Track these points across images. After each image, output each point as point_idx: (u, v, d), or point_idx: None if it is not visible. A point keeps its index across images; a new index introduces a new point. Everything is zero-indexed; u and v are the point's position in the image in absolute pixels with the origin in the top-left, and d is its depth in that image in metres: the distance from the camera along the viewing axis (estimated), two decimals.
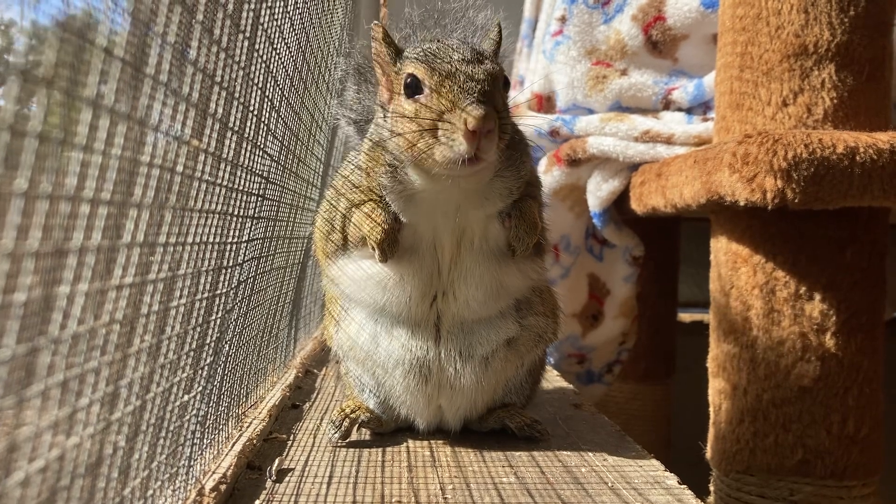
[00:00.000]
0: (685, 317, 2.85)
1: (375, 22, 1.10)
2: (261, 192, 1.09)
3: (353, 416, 1.19)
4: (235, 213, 0.94)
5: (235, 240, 0.96)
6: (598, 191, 1.93)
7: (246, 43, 0.85)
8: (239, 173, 0.92)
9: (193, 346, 0.82)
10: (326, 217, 1.19)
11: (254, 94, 0.94)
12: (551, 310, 1.25)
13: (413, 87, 1.02)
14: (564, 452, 1.13)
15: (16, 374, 0.42)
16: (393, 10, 1.22)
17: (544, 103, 2.18)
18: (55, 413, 0.49)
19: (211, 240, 0.83)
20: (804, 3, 1.38)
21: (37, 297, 0.44)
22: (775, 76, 1.39)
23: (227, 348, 1.02)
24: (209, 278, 0.85)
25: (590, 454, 1.12)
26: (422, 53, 1.04)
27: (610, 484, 0.99)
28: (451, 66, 1.01)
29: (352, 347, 1.19)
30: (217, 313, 0.91)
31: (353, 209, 1.12)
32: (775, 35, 1.40)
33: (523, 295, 1.20)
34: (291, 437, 1.19)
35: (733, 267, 1.42)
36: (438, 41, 1.08)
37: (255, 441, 1.10)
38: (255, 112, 0.96)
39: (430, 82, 1.01)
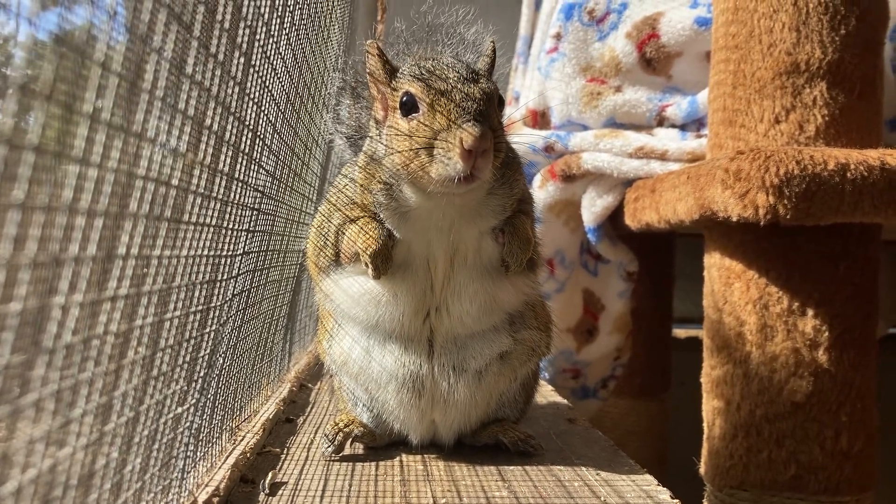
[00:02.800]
0: (680, 332, 2.85)
1: (371, 40, 1.11)
2: (256, 205, 1.09)
3: (346, 430, 1.19)
4: (230, 226, 0.94)
5: (230, 253, 0.97)
6: (593, 206, 1.94)
7: (242, 58, 0.85)
8: (234, 187, 0.93)
9: (187, 358, 0.83)
10: (320, 231, 1.19)
11: (250, 109, 0.95)
12: (544, 324, 1.25)
13: (409, 105, 1.03)
14: (558, 467, 1.13)
15: (10, 383, 0.43)
16: (390, 26, 1.23)
17: (539, 119, 2.19)
18: (49, 423, 0.49)
19: (206, 252, 0.84)
20: (796, 22, 1.39)
21: (32, 308, 0.44)
22: (767, 93, 1.41)
23: (221, 361, 1.03)
24: (203, 291, 0.85)
25: (583, 469, 1.12)
26: (418, 71, 1.05)
27: (603, 498, 0.99)
28: (448, 84, 1.01)
29: (345, 362, 1.20)
30: (211, 326, 0.92)
31: (348, 224, 1.12)
32: (768, 53, 1.41)
33: (516, 309, 1.20)
34: (285, 451, 1.19)
35: (726, 282, 1.43)
36: (434, 59, 1.09)
37: (248, 454, 1.10)
38: (251, 126, 0.97)
39: (426, 100, 1.01)
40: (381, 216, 1.10)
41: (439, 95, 1.01)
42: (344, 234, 1.12)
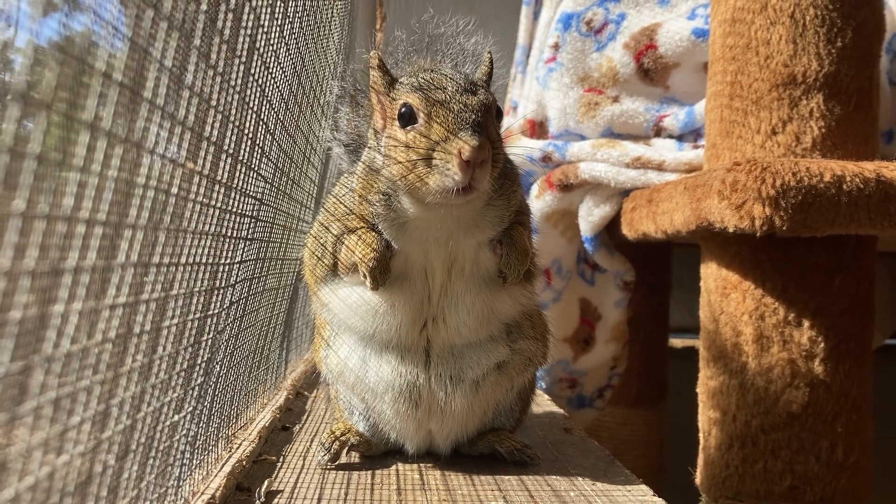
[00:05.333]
0: (677, 342, 2.85)
1: (373, 51, 1.11)
2: (254, 213, 1.10)
3: (342, 438, 1.19)
4: (229, 234, 0.95)
5: (228, 261, 0.97)
6: (590, 216, 1.95)
7: (242, 67, 0.86)
8: (233, 195, 0.93)
9: (185, 366, 0.83)
10: (318, 240, 1.19)
11: (249, 118, 0.95)
12: (541, 334, 1.25)
13: (407, 116, 1.03)
14: (553, 477, 1.13)
15: (9, 391, 0.43)
16: (389, 35, 1.24)
17: (537, 129, 2.20)
18: (47, 430, 0.49)
19: (204, 261, 0.84)
20: (793, 34, 1.40)
21: (32, 316, 0.44)
22: (764, 105, 1.42)
23: (217, 369, 1.03)
24: (201, 299, 0.86)
25: (579, 479, 1.12)
26: (417, 82, 1.05)
27: None
28: (446, 95, 1.02)
29: (341, 372, 1.19)
30: (209, 334, 0.92)
31: (346, 234, 1.12)
32: (765, 65, 1.42)
33: (514, 319, 1.20)
34: (281, 459, 1.19)
35: (723, 293, 1.43)
36: (433, 70, 1.09)
37: (244, 462, 1.10)
38: (250, 135, 0.97)
39: (424, 111, 1.02)
40: (380, 227, 1.09)
41: (438, 106, 1.01)
42: (342, 244, 1.12)
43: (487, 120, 1.02)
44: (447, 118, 1.00)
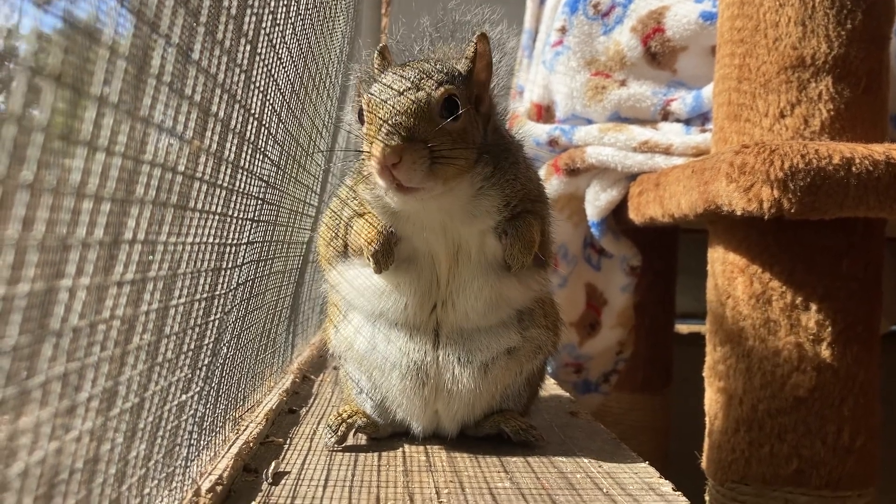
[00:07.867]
0: (683, 328, 2.85)
1: (378, 47, 1.13)
2: (261, 195, 1.09)
3: (349, 420, 1.19)
4: (235, 214, 0.94)
5: (235, 241, 0.97)
6: (597, 200, 1.94)
7: (248, 46, 0.85)
8: (239, 175, 0.93)
9: (192, 346, 0.83)
10: (330, 224, 1.21)
11: (255, 97, 0.95)
12: (553, 323, 1.25)
13: (360, 115, 1.06)
14: (560, 458, 1.13)
15: (17, 364, 0.43)
16: (394, 21, 1.23)
17: (544, 113, 2.19)
18: (55, 405, 0.49)
19: (210, 240, 0.84)
20: (802, 16, 1.39)
21: (39, 290, 0.44)
22: (773, 88, 1.41)
23: (225, 350, 1.03)
24: (208, 279, 0.86)
25: (585, 460, 1.12)
26: (375, 82, 1.07)
27: (605, 490, 0.99)
28: (386, 95, 1.02)
29: (349, 348, 1.21)
30: (216, 314, 0.92)
31: (355, 218, 1.14)
32: (773, 47, 1.41)
33: (525, 306, 1.20)
34: (288, 441, 1.20)
35: (730, 277, 1.43)
36: (402, 66, 1.09)
37: (251, 444, 1.10)
38: (257, 115, 0.97)
39: (367, 112, 1.04)
40: (375, 213, 1.11)
41: (374, 108, 1.02)
42: (351, 228, 1.14)
43: (419, 120, 1.00)
44: (374, 120, 1.01)
